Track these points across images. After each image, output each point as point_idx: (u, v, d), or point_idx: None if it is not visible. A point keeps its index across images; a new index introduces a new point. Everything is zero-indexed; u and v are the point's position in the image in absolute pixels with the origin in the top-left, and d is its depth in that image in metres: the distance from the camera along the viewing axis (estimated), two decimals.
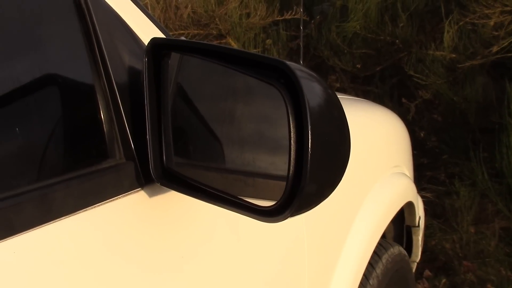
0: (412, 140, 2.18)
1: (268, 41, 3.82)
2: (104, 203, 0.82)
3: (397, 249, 1.82)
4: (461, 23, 3.07)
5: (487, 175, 2.89)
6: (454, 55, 3.12)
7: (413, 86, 3.45)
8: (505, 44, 2.97)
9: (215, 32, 3.69)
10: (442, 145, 3.37)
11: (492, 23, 3.00)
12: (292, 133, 0.77)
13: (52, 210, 0.75)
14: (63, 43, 0.88)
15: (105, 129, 0.88)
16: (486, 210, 3.07)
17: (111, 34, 0.92)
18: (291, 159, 0.78)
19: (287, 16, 3.66)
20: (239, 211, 0.86)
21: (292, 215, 0.79)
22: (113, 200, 0.84)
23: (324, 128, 0.78)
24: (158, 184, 0.91)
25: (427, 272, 2.94)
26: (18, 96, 0.80)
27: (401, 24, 3.42)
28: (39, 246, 0.73)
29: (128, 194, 0.87)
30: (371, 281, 1.62)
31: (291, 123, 0.78)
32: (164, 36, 1.04)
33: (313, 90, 0.78)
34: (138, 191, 0.89)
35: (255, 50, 3.66)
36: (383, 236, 1.87)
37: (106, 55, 0.88)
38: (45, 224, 0.74)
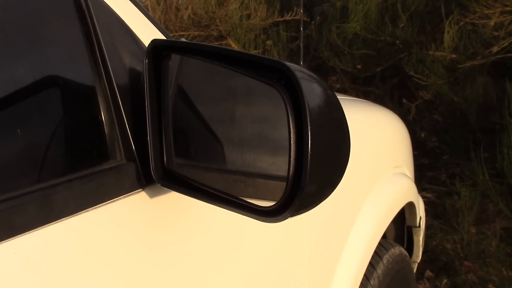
0: (412, 141, 2.18)
1: (269, 42, 3.82)
2: (105, 204, 0.83)
3: (398, 250, 1.82)
4: (461, 24, 3.07)
5: (488, 175, 2.88)
6: (454, 56, 3.12)
7: (413, 87, 3.45)
8: (505, 44, 2.97)
9: (215, 34, 3.69)
10: (442, 146, 3.37)
11: (492, 23, 3.00)
12: (292, 134, 0.78)
13: (53, 211, 0.76)
14: (64, 45, 0.88)
15: (106, 131, 0.88)
16: (487, 210, 3.07)
17: (112, 36, 0.92)
18: (291, 159, 0.78)
19: (287, 17, 3.66)
20: (240, 211, 0.86)
21: (292, 215, 0.80)
22: (114, 201, 0.84)
23: (324, 129, 0.79)
24: (159, 185, 0.91)
25: (428, 273, 2.94)
26: (20, 98, 0.80)
27: (401, 25, 3.42)
28: (41, 247, 0.73)
29: (129, 195, 0.87)
30: (372, 282, 1.62)
31: (291, 124, 0.78)
32: (165, 38, 1.04)
33: (313, 91, 0.79)
34: (139, 192, 0.89)
35: (255, 51, 3.67)
36: (384, 237, 1.87)
37: (106, 57, 0.88)
38: (47, 225, 0.74)
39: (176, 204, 0.95)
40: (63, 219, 0.76)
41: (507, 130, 2.78)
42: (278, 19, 3.72)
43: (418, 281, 2.79)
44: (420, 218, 2.10)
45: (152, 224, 0.91)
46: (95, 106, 0.88)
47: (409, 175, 2.02)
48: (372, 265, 1.64)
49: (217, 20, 3.60)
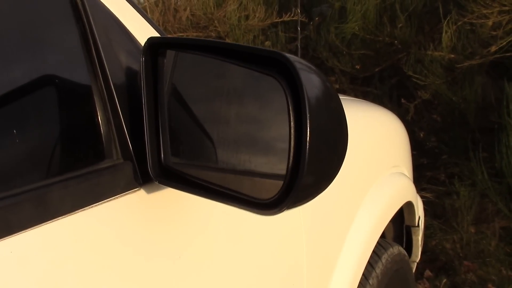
0: (411, 141, 2.18)
1: (267, 43, 3.82)
2: (102, 203, 0.83)
3: (396, 249, 1.82)
4: (459, 23, 3.08)
5: (487, 175, 2.88)
6: (452, 55, 3.12)
7: (412, 87, 3.45)
8: (504, 44, 2.97)
9: (214, 35, 3.70)
10: (441, 145, 3.37)
11: (490, 23, 3.00)
12: (292, 124, 0.78)
13: (49, 210, 0.76)
14: (61, 45, 0.88)
15: (102, 130, 0.88)
16: (486, 209, 3.07)
17: (108, 35, 0.92)
18: (291, 149, 0.78)
19: (286, 18, 3.67)
20: (237, 205, 0.86)
21: (289, 207, 0.80)
22: (111, 200, 0.84)
23: (322, 118, 0.79)
24: (156, 183, 0.91)
25: (427, 272, 2.94)
26: (16, 98, 0.80)
27: (400, 25, 3.43)
28: (37, 246, 0.73)
29: (126, 194, 0.87)
30: (370, 281, 1.62)
31: (290, 114, 0.78)
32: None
33: (311, 82, 0.79)
34: (136, 190, 0.89)
35: None
36: (383, 236, 1.87)
37: (103, 56, 0.89)
38: (43, 223, 0.74)
39: (173, 203, 0.96)
40: (59, 218, 0.76)
41: (505, 130, 2.79)
42: (277, 20, 3.73)
43: (418, 281, 2.79)
44: (419, 217, 2.10)
45: (149, 222, 0.91)
46: (92, 105, 0.88)
47: (407, 174, 2.02)
48: (371, 265, 1.63)
49: (215, 21, 3.60)
